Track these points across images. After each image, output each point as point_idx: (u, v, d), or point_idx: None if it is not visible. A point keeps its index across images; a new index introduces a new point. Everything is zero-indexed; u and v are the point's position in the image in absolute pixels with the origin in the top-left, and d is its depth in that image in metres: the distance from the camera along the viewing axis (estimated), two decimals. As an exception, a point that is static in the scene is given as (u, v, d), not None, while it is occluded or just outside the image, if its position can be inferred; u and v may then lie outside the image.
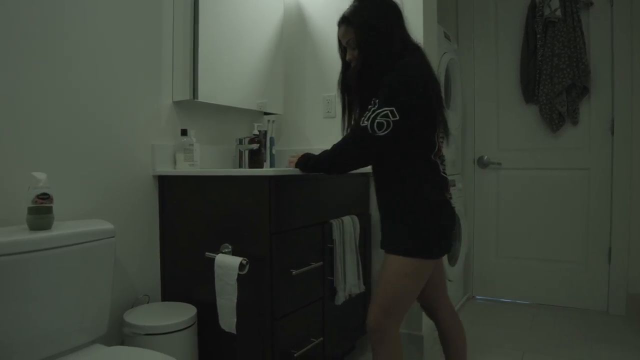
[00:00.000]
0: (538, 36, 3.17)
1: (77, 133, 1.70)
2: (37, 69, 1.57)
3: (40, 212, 1.42)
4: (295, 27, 2.68)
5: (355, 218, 2.18)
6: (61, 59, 1.64)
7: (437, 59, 2.66)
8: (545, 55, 3.15)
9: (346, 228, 2.10)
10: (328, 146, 2.46)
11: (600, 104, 3.11)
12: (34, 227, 1.42)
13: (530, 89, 3.25)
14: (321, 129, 2.61)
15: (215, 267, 1.70)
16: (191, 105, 2.16)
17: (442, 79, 2.77)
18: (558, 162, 3.25)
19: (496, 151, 3.43)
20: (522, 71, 3.28)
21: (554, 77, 3.11)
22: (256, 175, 1.71)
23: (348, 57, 1.60)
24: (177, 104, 2.11)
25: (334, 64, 2.56)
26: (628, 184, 3.03)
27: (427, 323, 2.44)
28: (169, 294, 2.03)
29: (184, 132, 2.06)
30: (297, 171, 1.72)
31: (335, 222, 2.04)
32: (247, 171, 1.83)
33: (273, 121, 2.62)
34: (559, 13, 3.05)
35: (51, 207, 1.45)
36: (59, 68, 1.64)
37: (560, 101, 3.11)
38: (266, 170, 1.75)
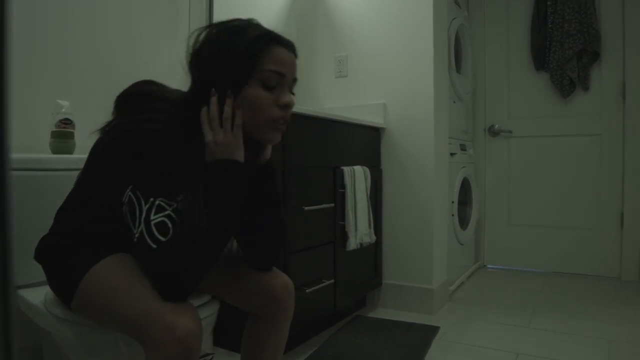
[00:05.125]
0: (548, 3, 3.18)
1: (100, 76, 1.76)
2: (79, 20, 1.63)
3: (63, 136, 1.48)
4: (307, -9, 2.73)
5: (367, 169, 2.22)
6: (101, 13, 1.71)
7: (446, 25, 2.68)
8: (555, 21, 3.16)
9: (357, 177, 2.13)
10: (341, 105, 2.51)
11: (611, 69, 3.11)
12: (56, 150, 1.48)
13: (540, 56, 3.26)
14: (333, 88, 2.65)
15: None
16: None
17: (452, 44, 2.79)
18: (569, 128, 3.25)
19: (507, 119, 3.44)
20: (533, 38, 3.29)
21: (564, 43, 3.12)
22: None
23: (287, 99, 0.98)
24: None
25: (345, 23, 2.61)
26: (640, 148, 3.03)
27: (437, 278, 2.47)
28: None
29: (199, 82, 2.11)
30: (310, 111, 1.76)
31: (346, 169, 2.08)
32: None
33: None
34: (569, -22, 3.06)
35: (73, 133, 1.50)
36: (93, 20, 1.70)
37: (571, 67, 3.12)
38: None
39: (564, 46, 3.13)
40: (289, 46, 0.99)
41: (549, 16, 3.19)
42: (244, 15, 1.06)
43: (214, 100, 0.94)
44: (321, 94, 2.69)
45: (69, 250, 0.97)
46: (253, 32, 0.95)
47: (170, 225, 0.85)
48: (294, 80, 1.01)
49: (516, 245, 3.44)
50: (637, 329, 2.15)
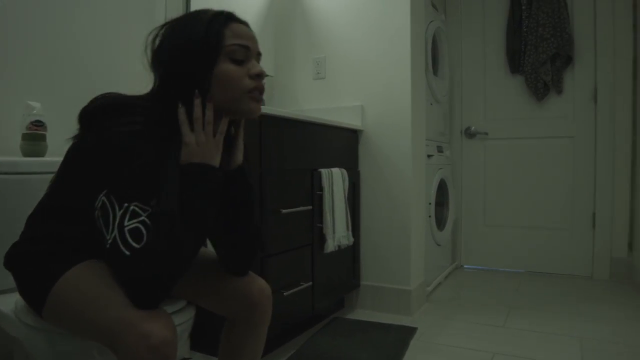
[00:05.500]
0: (523, 7, 3.24)
1: (73, 76, 1.72)
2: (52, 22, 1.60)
3: (34, 138, 1.45)
4: (285, -8, 2.72)
5: (345, 171, 2.23)
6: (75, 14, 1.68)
7: (423, 27, 2.70)
8: (530, 26, 3.22)
9: (335, 179, 2.13)
10: (319, 107, 2.51)
11: (583, 73, 3.18)
12: (27, 153, 1.44)
13: (516, 60, 3.32)
14: (311, 90, 2.65)
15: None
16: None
17: (429, 47, 2.81)
18: (543, 131, 3.32)
19: (483, 121, 3.49)
20: (508, 42, 3.35)
21: (538, 47, 3.18)
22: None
23: (259, 69, 1.01)
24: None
25: (323, 25, 2.61)
26: (611, 151, 3.10)
27: (414, 279, 2.48)
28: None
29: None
30: (287, 113, 1.75)
31: (324, 171, 2.08)
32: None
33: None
34: (543, -17, 3.12)
35: (45, 135, 1.47)
36: (66, 22, 1.67)
37: (545, 70, 3.18)
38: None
39: (538, 50, 3.19)
40: (244, 22, 1.02)
41: (524, 20, 3.25)
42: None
43: (197, 102, 0.93)
44: (299, 95, 2.69)
45: (40, 257, 0.95)
46: (208, 15, 0.97)
47: (144, 231, 0.83)
48: (259, 54, 1.04)
49: (492, 245, 3.49)
50: (609, 327, 2.20)
